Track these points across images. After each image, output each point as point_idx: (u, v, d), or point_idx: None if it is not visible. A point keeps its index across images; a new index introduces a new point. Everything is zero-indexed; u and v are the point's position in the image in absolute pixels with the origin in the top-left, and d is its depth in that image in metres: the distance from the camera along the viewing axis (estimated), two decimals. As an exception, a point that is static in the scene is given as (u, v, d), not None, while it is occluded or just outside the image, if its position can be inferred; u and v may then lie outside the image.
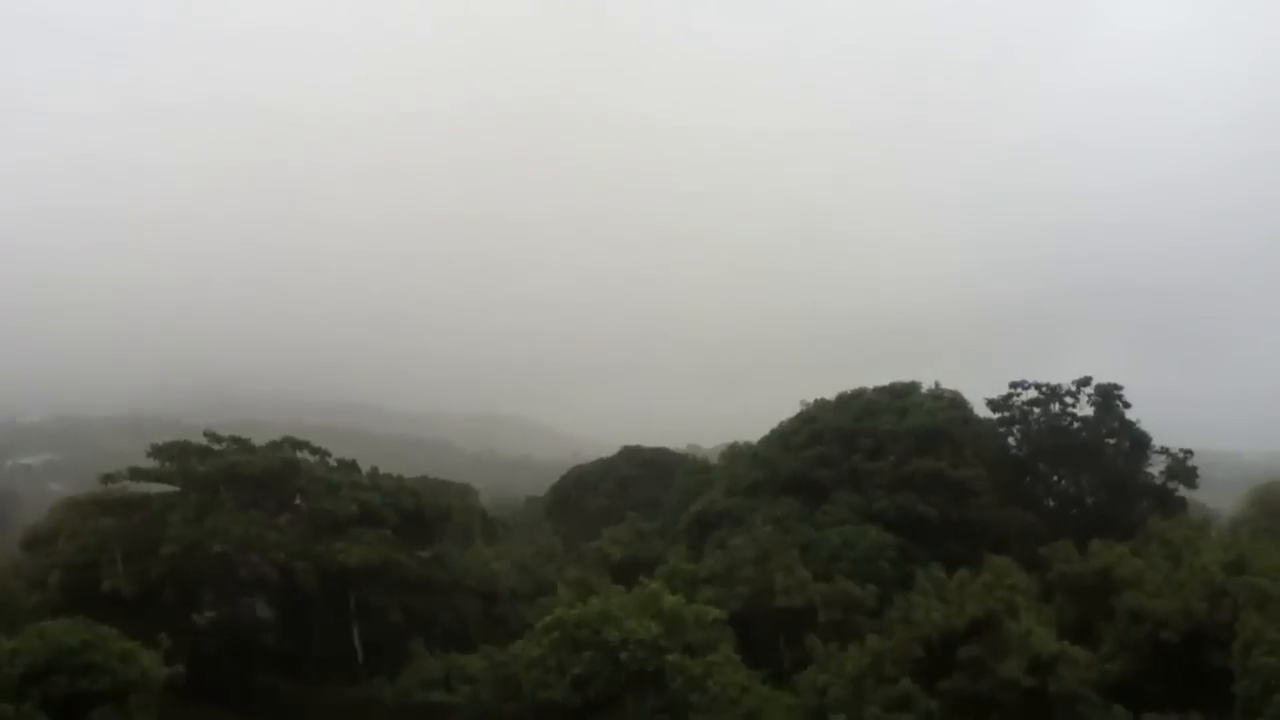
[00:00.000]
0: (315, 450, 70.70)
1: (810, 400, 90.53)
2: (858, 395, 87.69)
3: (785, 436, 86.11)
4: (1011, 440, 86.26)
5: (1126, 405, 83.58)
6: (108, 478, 66.33)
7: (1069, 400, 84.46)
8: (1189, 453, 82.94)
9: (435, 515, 70.48)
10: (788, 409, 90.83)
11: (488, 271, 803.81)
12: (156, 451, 66.35)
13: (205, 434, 68.85)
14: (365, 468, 72.55)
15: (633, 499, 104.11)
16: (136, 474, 66.46)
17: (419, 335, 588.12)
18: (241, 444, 67.96)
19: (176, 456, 66.03)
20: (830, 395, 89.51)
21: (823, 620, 60.20)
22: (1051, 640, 51.02)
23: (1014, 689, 48.62)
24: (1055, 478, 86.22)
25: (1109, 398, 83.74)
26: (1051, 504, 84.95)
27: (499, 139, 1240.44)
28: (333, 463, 71.36)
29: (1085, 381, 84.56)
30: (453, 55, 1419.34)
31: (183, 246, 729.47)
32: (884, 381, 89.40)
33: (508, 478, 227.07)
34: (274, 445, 68.80)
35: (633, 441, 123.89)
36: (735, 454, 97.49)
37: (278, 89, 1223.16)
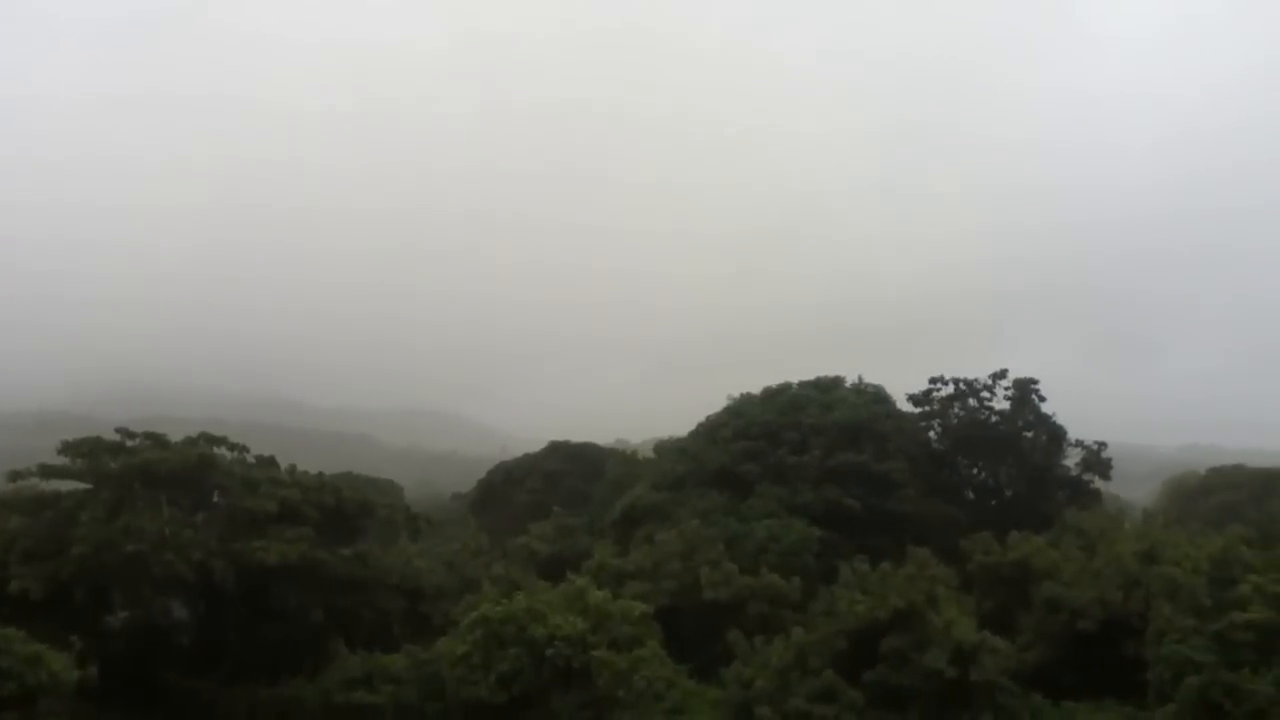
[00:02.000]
0: (233, 446, 69.14)
1: (737, 395, 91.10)
2: (784, 389, 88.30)
3: (712, 430, 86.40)
4: (932, 434, 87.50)
5: (1042, 399, 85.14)
6: (16, 475, 64.32)
7: (985, 395, 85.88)
8: (1103, 445, 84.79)
9: (357, 512, 69.41)
10: (717, 404, 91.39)
11: (416, 266, 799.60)
12: (66, 448, 64.41)
13: (117, 430, 67.00)
14: (285, 464, 71.29)
15: (560, 494, 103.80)
16: (46, 471, 64.47)
17: (343, 329, 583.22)
18: (156, 440, 66.23)
19: (88, 453, 64.14)
20: (760, 390, 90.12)
21: (749, 613, 60.43)
22: (972, 630, 51.73)
23: (936, 679, 49.24)
24: (974, 470, 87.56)
25: (1025, 392, 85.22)
26: (971, 496, 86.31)
27: (441, 135, 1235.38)
28: (251, 459, 69.83)
29: (1001, 375, 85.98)
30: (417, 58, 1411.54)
31: (99, 238, 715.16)
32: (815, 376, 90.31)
33: (433, 473, 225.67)
34: (190, 441, 67.16)
35: (560, 436, 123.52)
36: (663, 448, 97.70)
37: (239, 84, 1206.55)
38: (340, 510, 67.74)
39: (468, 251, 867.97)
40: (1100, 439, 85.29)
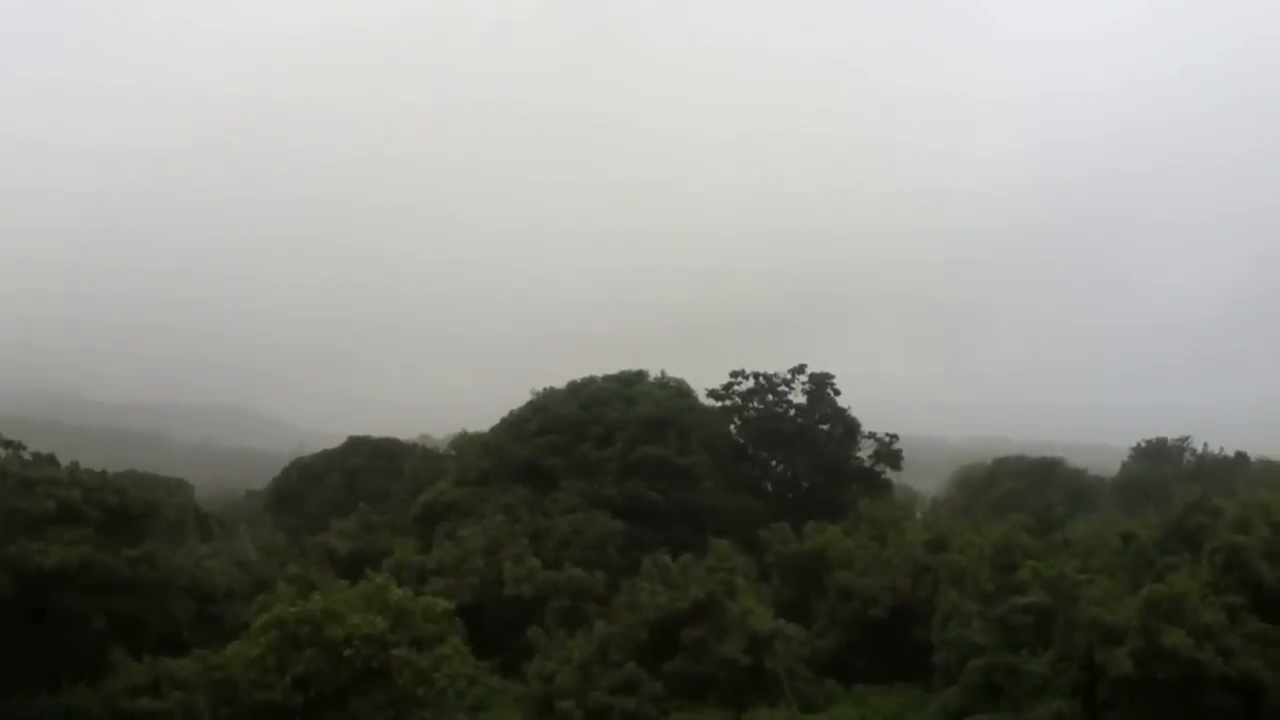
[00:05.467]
0: (7, 443, 65.42)
1: (541, 389, 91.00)
2: (588, 383, 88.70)
3: (516, 425, 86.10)
4: (733, 427, 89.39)
5: (837, 393, 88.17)
6: None
7: (784, 389, 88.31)
8: (894, 437, 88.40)
9: (143, 512, 66.32)
10: (522, 398, 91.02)
11: (213, 254, 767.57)
12: None
13: (-126, 428, 62.42)
14: (65, 462, 67.61)
15: (361, 491, 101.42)
16: None
17: (130, 319, 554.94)
18: (-82, 438, 62.14)
19: None
20: (564, 385, 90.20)
21: (553, 608, 60.56)
22: (769, 619, 53.20)
23: (733, 667, 50.43)
24: (773, 463, 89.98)
25: (821, 386, 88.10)
26: (770, 488, 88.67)
27: (273, 122, 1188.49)
28: (27, 456, 66.12)
29: (799, 370, 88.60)
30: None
31: None
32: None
33: (227, 471, 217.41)
34: (-42, 439, 63.25)
35: (361, 432, 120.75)
36: (466, 443, 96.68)
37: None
38: (124, 510, 64.63)
39: (270, 239, 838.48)
40: (896, 431, 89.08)
